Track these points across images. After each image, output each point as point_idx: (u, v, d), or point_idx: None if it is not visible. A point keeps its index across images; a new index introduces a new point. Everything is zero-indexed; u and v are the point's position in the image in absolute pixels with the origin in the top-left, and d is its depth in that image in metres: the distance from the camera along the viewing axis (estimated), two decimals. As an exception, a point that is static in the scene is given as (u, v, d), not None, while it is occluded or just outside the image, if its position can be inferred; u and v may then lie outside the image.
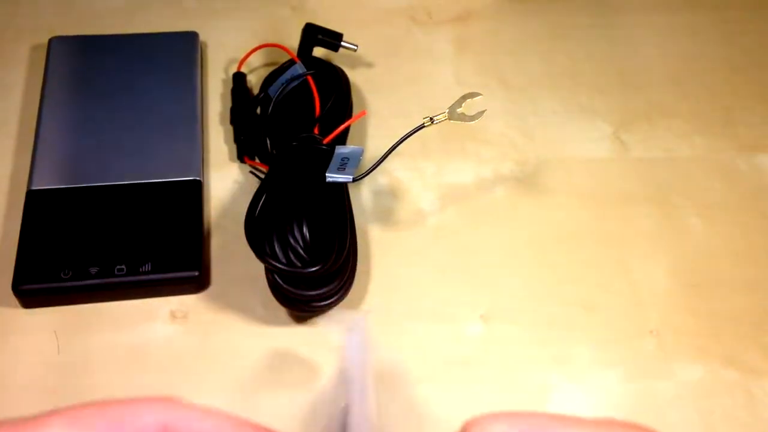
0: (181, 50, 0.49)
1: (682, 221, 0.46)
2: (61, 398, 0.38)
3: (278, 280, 0.38)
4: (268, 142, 0.46)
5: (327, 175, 0.41)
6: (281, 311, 0.41)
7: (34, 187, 0.42)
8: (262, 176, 0.44)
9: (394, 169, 0.47)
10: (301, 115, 0.45)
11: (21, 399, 0.38)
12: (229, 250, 0.43)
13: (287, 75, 0.46)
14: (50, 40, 0.49)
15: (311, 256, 0.39)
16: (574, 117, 0.50)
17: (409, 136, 0.41)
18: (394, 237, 0.44)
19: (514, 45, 0.53)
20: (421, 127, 0.41)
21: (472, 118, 0.41)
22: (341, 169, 0.41)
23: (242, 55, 0.50)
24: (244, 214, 0.40)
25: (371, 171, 0.41)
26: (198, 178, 0.44)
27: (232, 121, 0.48)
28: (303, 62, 0.46)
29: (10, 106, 0.48)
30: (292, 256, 0.39)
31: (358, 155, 0.41)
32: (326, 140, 0.43)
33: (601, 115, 0.50)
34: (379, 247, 0.44)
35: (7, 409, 0.37)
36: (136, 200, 0.42)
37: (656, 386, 0.40)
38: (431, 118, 0.41)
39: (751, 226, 0.46)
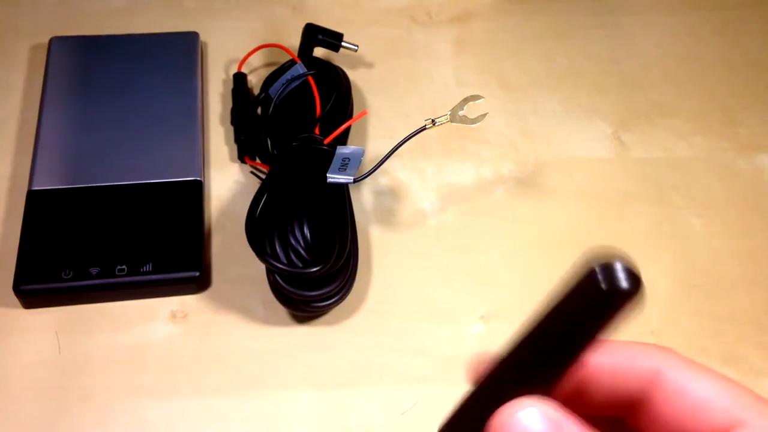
0: (181, 50, 0.49)
1: (682, 221, 0.46)
2: (62, 398, 0.38)
3: (279, 280, 0.38)
4: (269, 142, 0.46)
5: (328, 175, 0.41)
6: (282, 311, 0.41)
7: (34, 188, 0.42)
8: (263, 176, 0.44)
9: (395, 169, 0.47)
10: (302, 115, 0.45)
11: (22, 399, 0.38)
12: (230, 250, 0.43)
13: (288, 75, 0.46)
14: (51, 40, 0.49)
15: (312, 257, 0.39)
16: (574, 117, 0.50)
17: (410, 138, 0.41)
18: (394, 237, 0.44)
19: (514, 45, 0.53)
20: (423, 129, 0.41)
21: (474, 120, 0.41)
22: (342, 169, 0.41)
23: (242, 56, 0.50)
24: (245, 214, 0.40)
25: (372, 172, 0.41)
26: (198, 179, 0.44)
27: (233, 122, 0.48)
28: (303, 62, 0.46)
29: (11, 106, 0.48)
30: (292, 256, 0.39)
31: (359, 156, 0.41)
32: (327, 140, 0.43)
33: (601, 115, 0.50)
34: (380, 247, 0.44)
35: (8, 409, 0.37)
36: (137, 200, 0.42)
37: (656, 386, 0.40)
38: (433, 120, 0.41)
39: (751, 226, 0.46)
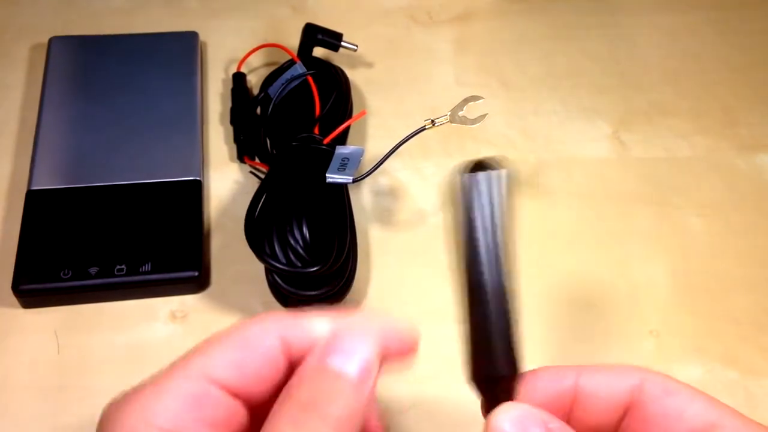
0: (181, 50, 0.49)
1: (682, 221, 0.46)
2: (62, 398, 0.38)
3: (278, 280, 0.38)
4: (268, 142, 0.46)
5: (327, 175, 0.41)
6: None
7: (33, 187, 0.42)
8: (262, 176, 0.44)
9: (394, 169, 0.47)
10: (301, 115, 0.45)
11: (21, 399, 0.38)
12: (229, 250, 0.43)
13: (287, 75, 0.46)
14: (50, 40, 0.49)
15: (311, 256, 0.39)
16: (574, 117, 0.50)
17: (410, 138, 0.41)
18: (394, 237, 0.44)
19: (514, 45, 0.53)
20: (422, 129, 0.41)
21: (474, 121, 0.41)
22: (341, 169, 0.41)
23: (242, 55, 0.50)
24: (244, 214, 0.40)
25: (371, 172, 0.41)
26: (198, 178, 0.44)
27: (232, 121, 0.48)
28: (303, 62, 0.46)
29: (10, 106, 0.48)
30: (292, 256, 0.39)
31: (358, 156, 0.41)
32: (326, 140, 0.43)
33: (601, 115, 0.50)
34: (380, 247, 0.43)
35: (7, 409, 0.37)
36: (136, 200, 0.42)
37: (656, 386, 0.40)
38: (432, 121, 0.41)
39: (751, 226, 0.46)
